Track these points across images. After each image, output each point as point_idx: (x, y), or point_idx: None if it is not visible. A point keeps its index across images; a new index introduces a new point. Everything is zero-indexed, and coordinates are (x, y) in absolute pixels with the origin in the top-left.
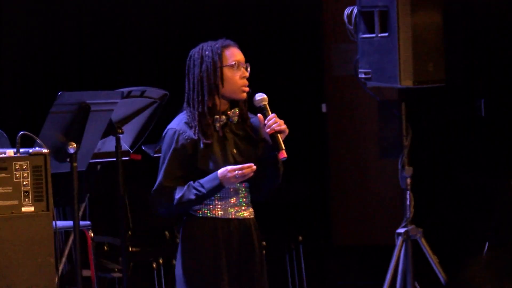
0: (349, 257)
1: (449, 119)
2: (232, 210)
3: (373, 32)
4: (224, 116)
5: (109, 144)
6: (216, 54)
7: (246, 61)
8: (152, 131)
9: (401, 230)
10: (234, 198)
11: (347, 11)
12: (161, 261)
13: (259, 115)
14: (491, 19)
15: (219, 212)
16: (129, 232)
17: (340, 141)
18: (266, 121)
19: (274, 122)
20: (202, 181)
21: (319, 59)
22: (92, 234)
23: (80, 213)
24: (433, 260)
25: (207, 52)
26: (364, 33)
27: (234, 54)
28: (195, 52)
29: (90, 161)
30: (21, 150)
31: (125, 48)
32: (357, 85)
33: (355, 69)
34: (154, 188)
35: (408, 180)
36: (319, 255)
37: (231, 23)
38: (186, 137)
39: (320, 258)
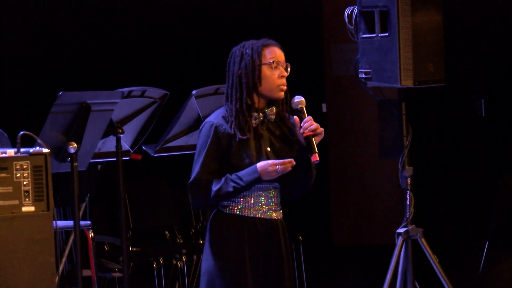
0: (349, 257)
1: (449, 119)
2: (260, 209)
3: (373, 32)
4: (261, 114)
5: (109, 144)
6: (256, 52)
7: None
8: (153, 131)
9: (401, 230)
10: (264, 198)
11: (347, 11)
12: (161, 261)
13: (295, 117)
14: (491, 19)
15: (247, 211)
16: (129, 232)
17: (340, 141)
18: (302, 124)
19: (310, 125)
20: (240, 173)
21: (319, 59)
22: (93, 234)
23: (81, 213)
24: (433, 260)
25: (247, 50)
26: (364, 33)
27: (273, 53)
28: (236, 49)
29: (91, 161)
30: (22, 150)
31: (125, 48)
32: (357, 85)
33: (355, 69)
34: (190, 180)
35: (408, 180)
36: (319, 255)
37: (231, 23)
38: (222, 131)
39: (320, 258)
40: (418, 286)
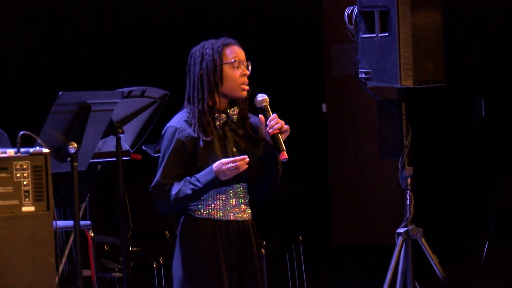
0: (349, 257)
1: (449, 119)
2: (231, 211)
3: (373, 32)
4: (224, 115)
5: (109, 144)
6: (217, 52)
7: (247, 60)
8: (153, 131)
9: (401, 230)
10: (233, 200)
11: (347, 11)
12: (161, 261)
13: (260, 116)
14: (491, 19)
15: (218, 214)
16: (129, 232)
17: (340, 141)
18: (268, 122)
19: (276, 123)
20: (198, 175)
21: (320, 59)
22: (93, 234)
23: (81, 213)
24: (433, 260)
25: (207, 50)
26: (364, 33)
27: (234, 52)
28: (196, 50)
29: (91, 161)
30: (22, 150)
31: (125, 48)
32: (357, 85)
33: (355, 69)
34: (152, 185)
35: (408, 180)
36: (319, 255)
37: (232, 23)
38: (186, 135)
39: (320, 258)
40: (418, 286)
